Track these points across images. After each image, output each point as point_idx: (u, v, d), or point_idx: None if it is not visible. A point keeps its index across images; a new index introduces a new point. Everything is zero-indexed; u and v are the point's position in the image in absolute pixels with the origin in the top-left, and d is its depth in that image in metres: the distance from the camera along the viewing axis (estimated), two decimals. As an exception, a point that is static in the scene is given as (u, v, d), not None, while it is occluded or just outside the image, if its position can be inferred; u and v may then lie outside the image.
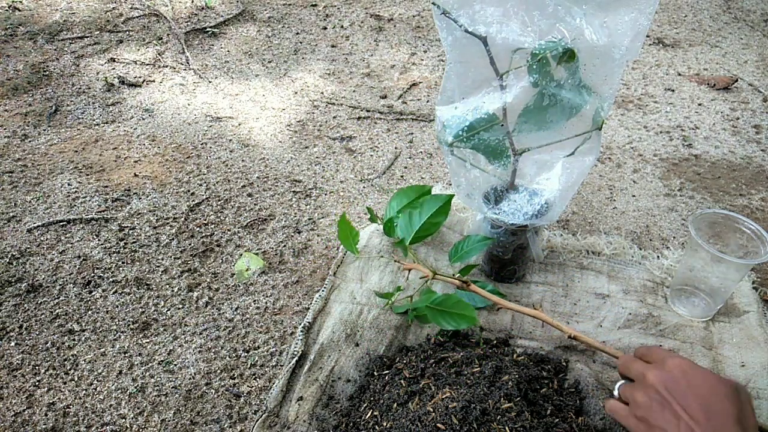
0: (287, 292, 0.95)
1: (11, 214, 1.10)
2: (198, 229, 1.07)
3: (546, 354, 0.82)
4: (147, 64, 1.61)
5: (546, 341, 0.85)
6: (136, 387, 0.80)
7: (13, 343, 0.86)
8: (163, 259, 1.00)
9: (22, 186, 1.17)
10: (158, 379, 0.81)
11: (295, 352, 0.81)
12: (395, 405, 0.69)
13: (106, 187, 1.17)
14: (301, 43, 1.76)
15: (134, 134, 1.34)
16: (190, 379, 0.81)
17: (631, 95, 1.51)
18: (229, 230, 1.07)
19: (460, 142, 0.77)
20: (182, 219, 1.09)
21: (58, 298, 0.93)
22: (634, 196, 1.16)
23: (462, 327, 0.75)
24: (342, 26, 1.86)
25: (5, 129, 1.34)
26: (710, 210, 0.86)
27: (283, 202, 1.14)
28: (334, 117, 1.41)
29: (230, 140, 1.32)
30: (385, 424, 0.67)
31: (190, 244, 1.03)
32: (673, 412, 0.50)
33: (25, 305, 0.92)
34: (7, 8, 1.85)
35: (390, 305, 0.86)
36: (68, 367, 0.83)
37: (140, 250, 1.02)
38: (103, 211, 1.11)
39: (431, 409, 0.65)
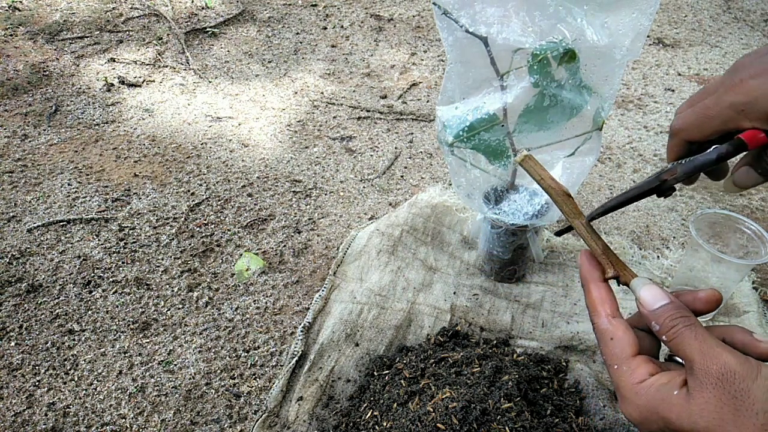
0: (287, 292, 0.95)
1: (11, 214, 1.10)
2: (198, 229, 1.07)
3: (546, 354, 0.82)
4: (147, 64, 1.61)
5: (546, 341, 0.85)
6: (136, 387, 0.80)
7: (13, 343, 0.86)
8: (163, 259, 1.00)
9: (22, 186, 1.17)
10: (158, 379, 0.81)
11: (295, 352, 0.81)
12: (395, 405, 0.69)
13: (106, 187, 1.17)
14: (301, 43, 1.76)
15: (134, 134, 1.34)
16: (190, 379, 0.81)
17: (631, 95, 1.51)
18: (229, 230, 1.07)
19: (461, 142, 0.77)
20: (182, 219, 1.09)
21: (58, 298, 0.93)
22: (634, 196, 1.16)
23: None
24: (342, 26, 1.86)
25: (5, 129, 1.34)
26: (710, 210, 0.86)
27: (283, 202, 1.14)
28: (334, 117, 1.41)
29: (230, 140, 1.32)
30: (385, 424, 0.67)
31: (190, 244, 1.03)
32: None
33: (25, 305, 0.92)
34: (7, 8, 1.85)
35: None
36: (68, 367, 0.83)
37: (140, 250, 1.02)
38: (103, 211, 1.11)
39: (431, 409, 0.65)
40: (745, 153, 0.42)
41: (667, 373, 0.38)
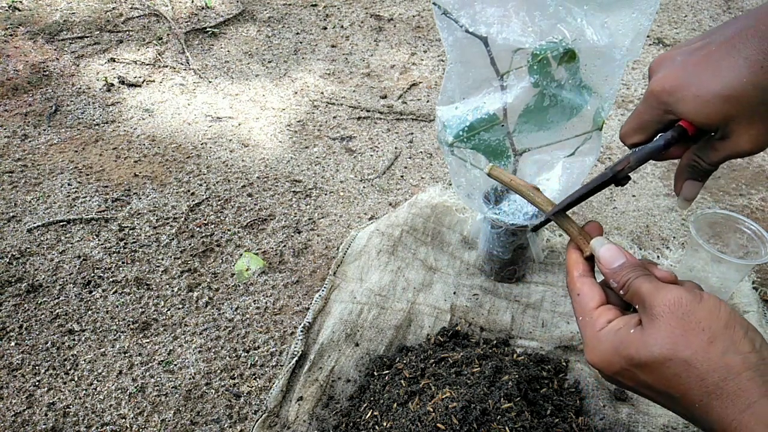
0: (287, 292, 0.95)
1: (11, 214, 1.10)
2: (198, 229, 1.07)
3: (546, 354, 0.82)
4: (147, 64, 1.61)
5: (546, 341, 0.85)
6: (136, 387, 0.80)
7: (13, 343, 0.86)
8: (163, 259, 1.00)
9: (22, 186, 1.17)
10: (158, 379, 0.81)
11: (295, 352, 0.81)
12: (395, 405, 0.69)
13: (106, 187, 1.17)
14: (301, 43, 1.76)
15: (134, 134, 1.34)
16: (190, 379, 0.81)
17: (631, 95, 1.51)
18: (229, 230, 1.07)
19: (461, 142, 0.77)
20: (182, 219, 1.09)
21: (58, 298, 0.93)
22: (634, 196, 1.16)
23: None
24: (342, 26, 1.86)
25: (5, 129, 1.34)
26: (710, 210, 0.86)
27: (283, 202, 1.14)
28: (334, 117, 1.41)
29: (230, 140, 1.32)
30: (385, 424, 0.67)
31: (190, 244, 1.03)
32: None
33: (25, 305, 0.92)
34: (7, 8, 1.85)
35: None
36: (68, 367, 0.83)
37: (140, 250, 1.02)
38: (103, 211, 1.11)
39: (431, 409, 0.65)
40: (680, 168, 0.48)
41: (623, 318, 0.41)
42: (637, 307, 0.41)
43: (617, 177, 0.47)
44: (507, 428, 0.63)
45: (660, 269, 0.44)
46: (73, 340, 0.87)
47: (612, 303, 0.44)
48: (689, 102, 0.42)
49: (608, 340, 0.40)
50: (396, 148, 1.30)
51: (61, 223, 1.08)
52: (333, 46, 1.74)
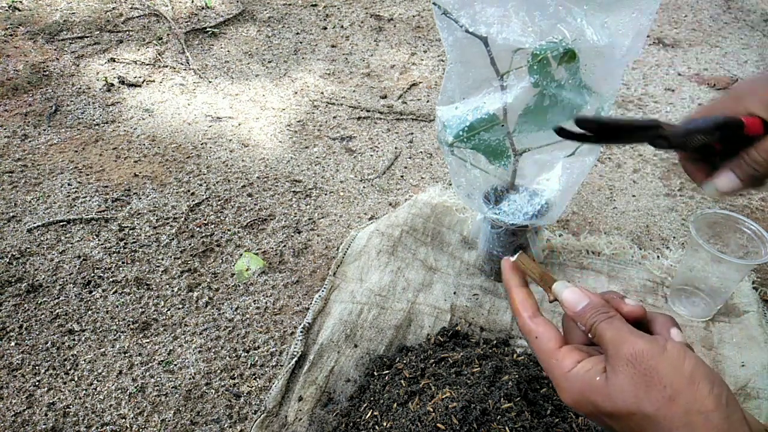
0: (287, 292, 0.95)
1: (11, 214, 1.10)
2: (198, 229, 1.07)
3: (546, 354, 0.82)
4: (147, 64, 1.61)
5: (546, 341, 0.84)
6: (136, 387, 0.80)
7: (13, 343, 0.86)
8: (163, 259, 1.00)
9: (22, 186, 1.17)
10: (158, 379, 0.81)
11: (295, 353, 0.81)
12: (395, 405, 0.69)
13: (106, 187, 1.17)
14: (301, 43, 1.76)
15: (134, 134, 1.34)
16: (190, 379, 0.81)
17: (631, 95, 1.51)
18: (229, 230, 1.07)
19: (461, 142, 0.77)
20: (182, 219, 1.09)
21: (58, 298, 0.93)
22: (634, 196, 1.16)
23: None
24: (342, 26, 1.86)
25: (5, 129, 1.34)
26: (711, 210, 0.86)
27: (283, 202, 1.14)
28: (334, 117, 1.41)
29: (230, 140, 1.32)
30: (385, 424, 0.67)
31: (190, 244, 1.03)
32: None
33: (25, 305, 0.92)
34: (7, 8, 1.85)
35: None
36: (68, 367, 0.83)
37: (140, 250, 1.02)
38: (103, 211, 1.11)
39: (431, 409, 0.65)
40: (731, 161, 0.45)
41: (590, 360, 0.40)
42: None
43: (660, 134, 0.44)
44: (507, 428, 0.63)
45: (628, 303, 0.43)
46: (73, 340, 0.87)
47: (579, 341, 0.44)
48: (763, 96, 0.44)
49: (577, 382, 0.40)
50: (396, 148, 1.30)
51: (61, 223, 1.08)
52: (333, 46, 1.74)
